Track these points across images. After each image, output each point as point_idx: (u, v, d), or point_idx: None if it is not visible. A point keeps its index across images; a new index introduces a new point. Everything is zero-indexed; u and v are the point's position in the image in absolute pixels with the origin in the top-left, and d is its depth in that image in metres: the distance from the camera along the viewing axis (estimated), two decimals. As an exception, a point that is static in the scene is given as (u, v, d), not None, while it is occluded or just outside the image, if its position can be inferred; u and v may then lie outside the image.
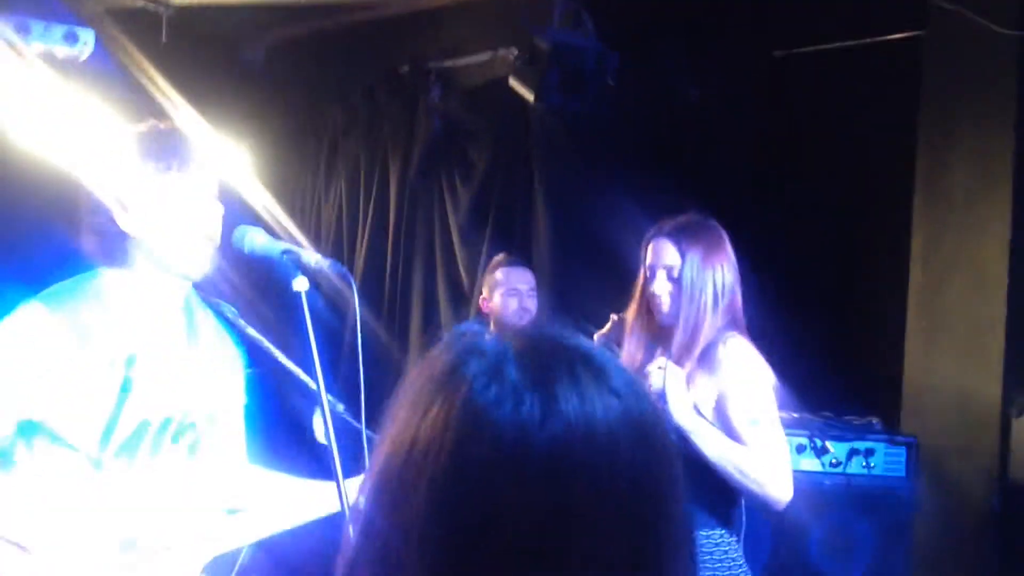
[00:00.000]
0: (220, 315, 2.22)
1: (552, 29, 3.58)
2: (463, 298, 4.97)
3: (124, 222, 1.99)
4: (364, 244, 5.44)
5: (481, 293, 4.13)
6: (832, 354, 3.58)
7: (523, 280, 4.02)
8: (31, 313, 1.93)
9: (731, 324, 2.58)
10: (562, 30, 3.64)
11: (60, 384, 1.92)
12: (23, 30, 4.39)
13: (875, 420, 3.79)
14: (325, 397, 1.92)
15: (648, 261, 2.64)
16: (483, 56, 4.98)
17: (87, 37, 4.54)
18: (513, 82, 3.73)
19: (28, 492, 1.97)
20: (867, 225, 4.07)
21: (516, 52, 4.08)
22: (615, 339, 2.65)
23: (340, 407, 2.03)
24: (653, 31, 4.17)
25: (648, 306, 2.66)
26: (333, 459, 1.82)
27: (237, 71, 5.71)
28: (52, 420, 1.94)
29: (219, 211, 2.05)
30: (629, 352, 2.77)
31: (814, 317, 3.73)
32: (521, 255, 4.49)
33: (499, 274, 4.03)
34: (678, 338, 2.56)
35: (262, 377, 2.34)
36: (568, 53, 3.60)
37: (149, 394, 2.02)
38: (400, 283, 5.25)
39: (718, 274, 2.59)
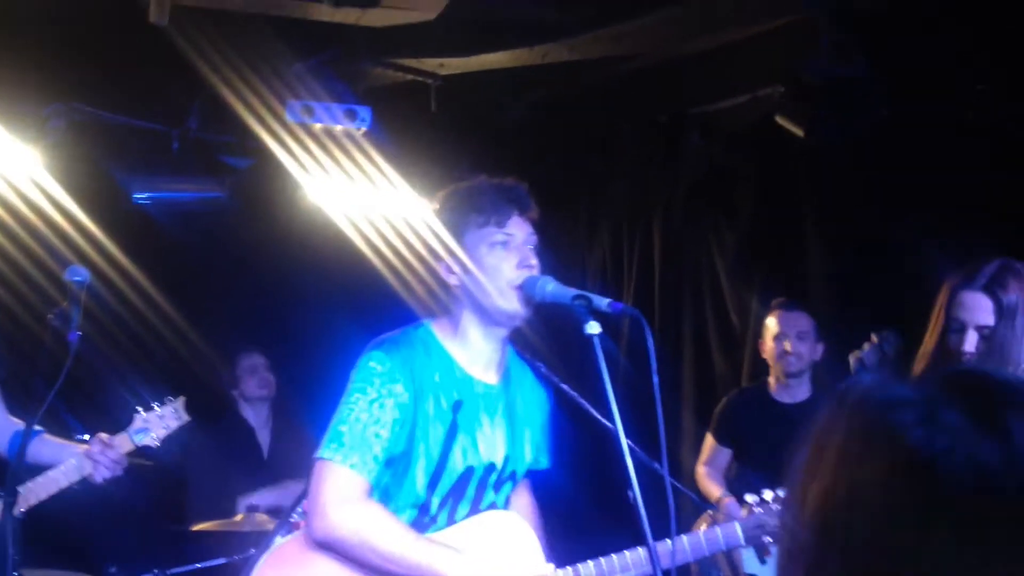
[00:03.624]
0: (535, 370, 2.28)
1: (820, 62, 3.46)
2: (735, 343, 4.85)
3: (448, 276, 2.14)
4: (631, 292, 5.43)
5: (760, 337, 4.12)
6: None
7: (795, 325, 3.97)
8: (378, 359, 2.08)
9: None
10: (831, 63, 3.51)
11: (402, 424, 2.05)
12: (308, 113, 4.81)
13: None
14: (625, 442, 1.90)
15: (955, 314, 2.40)
16: (742, 98, 4.88)
17: (364, 114, 4.91)
18: (780, 119, 3.63)
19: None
20: None
21: (780, 89, 3.97)
22: (872, 362, 2.45)
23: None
24: (930, 52, 3.91)
25: (947, 360, 2.44)
26: (642, 520, 1.81)
27: (498, 131, 5.91)
28: (401, 457, 2.06)
29: (535, 265, 2.16)
30: None
31: None
32: (796, 297, 4.34)
33: (771, 319, 4.02)
34: None
35: (568, 434, 2.38)
36: (839, 84, 3.47)
37: (474, 439, 2.10)
38: (671, 330, 5.19)
39: None
